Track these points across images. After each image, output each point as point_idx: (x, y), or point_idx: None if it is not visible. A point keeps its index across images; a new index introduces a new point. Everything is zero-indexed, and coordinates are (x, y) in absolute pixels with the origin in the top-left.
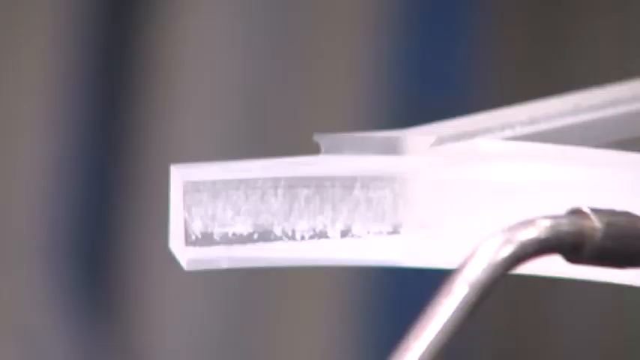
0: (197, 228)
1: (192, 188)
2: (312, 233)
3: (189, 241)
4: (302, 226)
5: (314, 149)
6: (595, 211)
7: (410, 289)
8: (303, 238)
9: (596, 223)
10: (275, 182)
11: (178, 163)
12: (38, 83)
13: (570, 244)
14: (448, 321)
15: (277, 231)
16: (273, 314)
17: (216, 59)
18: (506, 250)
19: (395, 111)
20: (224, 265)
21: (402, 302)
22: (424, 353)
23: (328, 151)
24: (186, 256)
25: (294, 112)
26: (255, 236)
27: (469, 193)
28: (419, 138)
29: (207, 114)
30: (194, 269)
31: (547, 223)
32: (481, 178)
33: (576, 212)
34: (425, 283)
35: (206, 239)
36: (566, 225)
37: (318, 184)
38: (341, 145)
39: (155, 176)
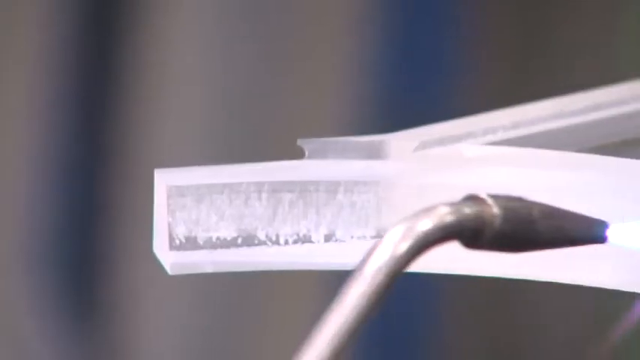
0: (181, 232)
1: (176, 192)
2: (295, 237)
3: (173, 246)
4: (286, 230)
5: (298, 154)
6: (493, 197)
7: (393, 293)
8: (287, 242)
9: (495, 209)
10: (259, 187)
11: (162, 167)
12: (21, 88)
13: (471, 230)
14: (353, 312)
15: (261, 235)
16: (258, 318)
17: (200, 64)
18: (409, 239)
19: (378, 116)
20: (208, 270)
21: (386, 305)
22: (329, 344)
23: (312, 156)
24: (170, 260)
25: (277, 117)
26: (239, 241)
27: (453, 198)
28: (402, 143)
29: (191, 118)
30: (178, 273)
31: (448, 210)
32: (464, 183)
33: (475, 199)
34: (408, 287)
35: (190, 243)
36: (467, 212)
37: (302, 188)
38: (325, 149)
39: (139, 180)
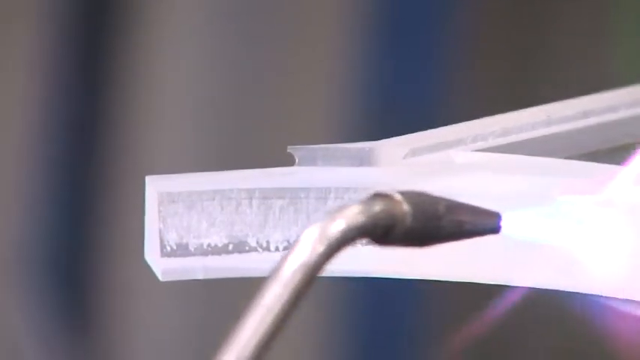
0: (172, 239)
1: (168, 199)
2: (286, 244)
3: (164, 252)
4: (276, 236)
5: (288, 160)
6: (401, 193)
7: (384, 299)
8: (277, 248)
9: (405, 206)
10: (250, 193)
11: (153, 174)
12: (11, 95)
13: (383, 228)
14: (271, 314)
15: (252, 242)
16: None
17: (191, 71)
18: (325, 241)
19: (368, 122)
20: (199, 276)
21: (376, 312)
22: (247, 347)
23: (302, 163)
24: (161, 266)
25: (268, 124)
26: (230, 247)
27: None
28: (392, 149)
29: (182, 125)
30: (169, 280)
31: (361, 209)
32: (454, 189)
33: (384, 196)
34: (399, 293)
35: (181, 250)
36: (378, 210)
37: (293, 195)
38: (315, 156)
39: (130, 187)
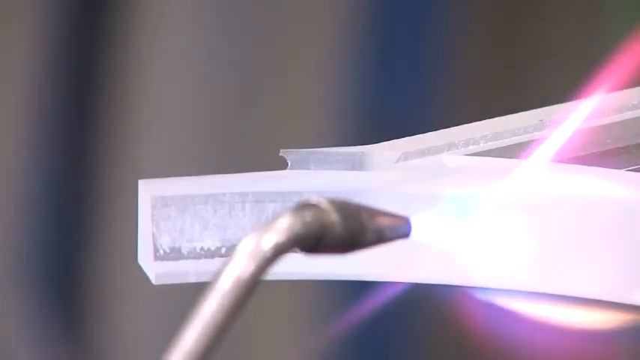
0: (165, 242)
1: (161, 203)
2: None
3: (157, 256)
4: None
5: (281, 164)
6: (329, 202)
7: (375, 303)
8: None
9: (334, 214)
10: (242, 197)
11: (146, 178)
12: (1, 99)
13: (315, 238)
14: (208, 327)
15: None
16: (240, 328)
17: (183, 75)
18: (259, 254)
19: (360, 127)
20: (192, 280)
21: (368, 316)
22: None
23: (295, 166)
24: (154, 270)
25: (260, 128)
26: (223, 251)
27: (434, 209)
28: (384, 153)
29: (174, 129)
30: (162, 283)
31: (293, 221)
32: (446, 194)
33: (312, 206)
34: (391, 297)
35: (174, 253)
36: (309, 221)
37: (285, 198)
38: (307, 160)
39: (123, 191)
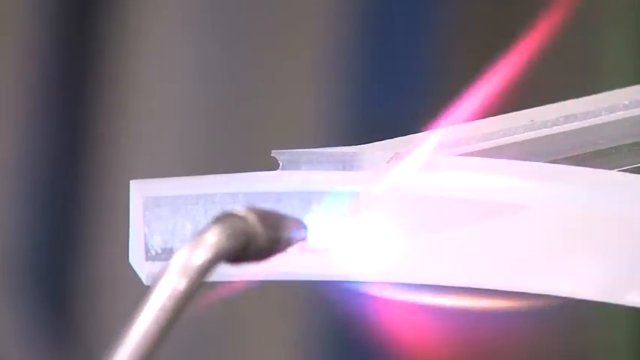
0: (157, 243)
1: (152, 203)
2: None
3: (149, 256)
4: None
5: (272, 164)
6: (251, 212)
7: (367, 304)
8: None
9: (257, 225)
10: (233, 197)
11: (138, 178)
12: None
13: (240, 249)
14: (142, 340)
15: None
16: (232, 329)
17: (175, 75)
18: (188, 272)
19: (352, 127)
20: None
21: (360, 318)
22: None
23: (286, 167)
24: (146, 270)
25: (252, 128)
26: None
27: (426, 209)
28: (376, 153)
29: (166, 129)
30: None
31: (221, 233)
32: (438, 194)
33: (236, 216)
34: (383, 299)
35: (166, 254)
36: (236, 233)
37: (276, 199)
38: (299, 160)
39: (115, 192)
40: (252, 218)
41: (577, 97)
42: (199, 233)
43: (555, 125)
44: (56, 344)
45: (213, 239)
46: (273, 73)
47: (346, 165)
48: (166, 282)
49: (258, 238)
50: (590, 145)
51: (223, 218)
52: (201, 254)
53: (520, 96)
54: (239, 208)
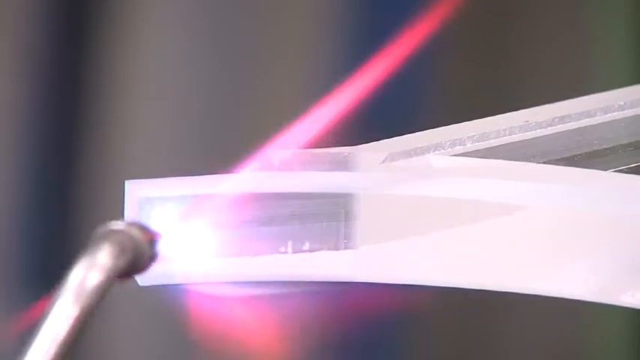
0: None
1: (147, 204)
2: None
3: None
4: None
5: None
6: (136, 227)
7: (362, 305)
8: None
9: (142, 240)
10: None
11: (133, 179)
12: None
13: (131, 265)
14: (49, 349)
15: None
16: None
17: (170, 75)
18: (84, 293)
19: (346, 128)
20: (178, 281)
21: (354, 318)
22: None
23: (280, 167)
24: None
25: (247, 129)
26: None
27: (420, 209)
28: (370, 154)
29: (160, 130)
30: (148, 285)
31: (112, 251)
32: (432, 194)
33: (122, 232)
34: (378, 299)
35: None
36: (128, 249)
37: (271, 199)
38: (293, 161)
39: (110, 192)
40: (138, 235)
41: (572, 97)
42: (90, 253)
43: (550, 126)
44: None
45: (105, 259)
46: (268, 73)
47: (340, 166)
48: (62, 306)
49: (144, 254)
50: (585, 146)
51: (109, 235)
52: (95, 276)
53: (511, 100)
54: (120, 223)
